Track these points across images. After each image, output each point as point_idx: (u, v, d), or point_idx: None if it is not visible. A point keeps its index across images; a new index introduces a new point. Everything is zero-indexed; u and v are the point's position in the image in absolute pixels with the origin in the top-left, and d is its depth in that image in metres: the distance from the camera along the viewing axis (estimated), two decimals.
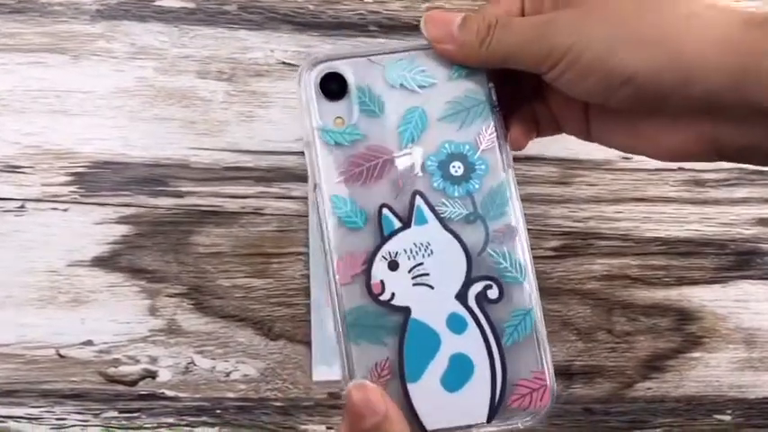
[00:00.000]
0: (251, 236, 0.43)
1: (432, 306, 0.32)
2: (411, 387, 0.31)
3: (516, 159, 0.41)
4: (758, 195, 0.44)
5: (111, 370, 0.42)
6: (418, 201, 0.32)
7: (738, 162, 0.31)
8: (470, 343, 0.31)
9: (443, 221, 0.32)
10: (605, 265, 0.44)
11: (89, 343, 0.42)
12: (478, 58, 0.31)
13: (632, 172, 0.44)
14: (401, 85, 0.32)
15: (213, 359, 0.43)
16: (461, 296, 0.32)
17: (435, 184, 0.32)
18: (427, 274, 0.32)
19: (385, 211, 0.32)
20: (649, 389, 0.44)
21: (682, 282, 0.44)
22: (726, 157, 0.31)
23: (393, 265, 0.32)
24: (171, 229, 0.43)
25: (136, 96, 0.43)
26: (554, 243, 0.44)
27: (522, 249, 0.32)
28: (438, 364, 0.31)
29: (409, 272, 0.32)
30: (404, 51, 0.33)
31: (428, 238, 0.32)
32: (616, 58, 0.28)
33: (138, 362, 0.43)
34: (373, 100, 0.32)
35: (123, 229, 0.42)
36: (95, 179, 0.42)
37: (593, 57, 0.28)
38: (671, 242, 0.44)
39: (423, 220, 0.32)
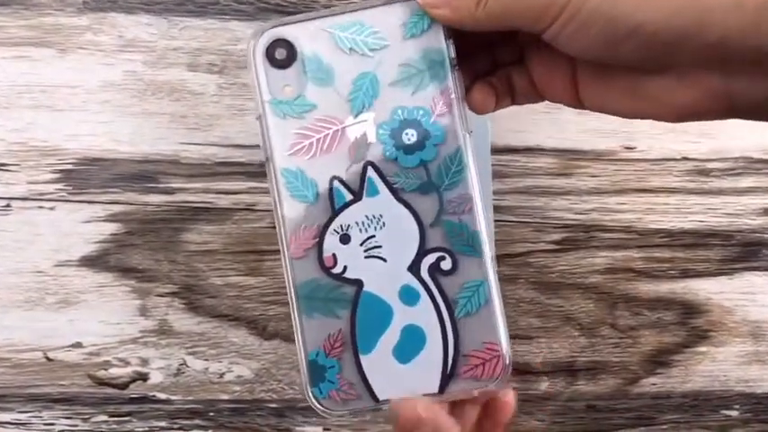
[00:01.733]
0: (243, 233, 0.42)
1: (384, 278, 0.32)
2: (363, 359, 0.31)
3: (514, 151, 0.41)
4: (764, 185, 0.44)
5: (101, 373, 0.41)
6: (370, 172, 0.32)
7: (753, 119, 0.29)
8: (423, 315, 0.31)
9: (396, 192, 0.32)
10: (608, 258, 0.43)
11: (78, 345, 0.41)
12: (475, 20, 0.29)
13: (635, 162, 0.43)
14: (351, 49, 0.31)
15: (206, 360, 0.42)
16: (414, 268, 0.31)
17: (387, 154, 0.31)
18: (379, 247, 0.32)
19: (336, 183, 0.32)
20: (654, 384, 0.43)
21: (687, 274, 0.43)
22: (740, 114, 0.29)
23: (345, 239, 0.32)
24: (161, 227, 0.42)
25: (124, 90, 0.42)
26: (555, 236, 0.43)
27: (477, 220, 0.31)
28: (390, 336, 0.31)
29: (361, 245, 0.32)
30: (356, 11, 0.31)
31: (380, 210, 0.32)
32: (620, 6, 0.26)
33: (128, 364, 0.41)
34: (322, 67, 0.32)
35: (112, 228, 0.42)
36: (83, 176, 0.42)
37: (595, 5, 0.27)
38: (675, 234, 0.43)
39: (374, 192, 0.32)
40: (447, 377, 0.31)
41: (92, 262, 0.41)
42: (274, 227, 0.39)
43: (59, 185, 0.41)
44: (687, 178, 0.43)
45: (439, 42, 0.31)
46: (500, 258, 0.42)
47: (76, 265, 0.41)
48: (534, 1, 0.28)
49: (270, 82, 0.32)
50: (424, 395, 0.31)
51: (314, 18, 0.32)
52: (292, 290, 0.32)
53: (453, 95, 0.31)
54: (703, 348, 0.43)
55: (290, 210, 0.32)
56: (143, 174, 0.42)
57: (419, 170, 0.31)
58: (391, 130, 0.31)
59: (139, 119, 0.42)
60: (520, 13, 0.28)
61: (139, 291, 0.42)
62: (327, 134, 0.32)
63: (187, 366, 0.42)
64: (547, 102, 0.40)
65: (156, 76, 0.42)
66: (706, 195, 0.43)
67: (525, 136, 0.43)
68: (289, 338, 0.42)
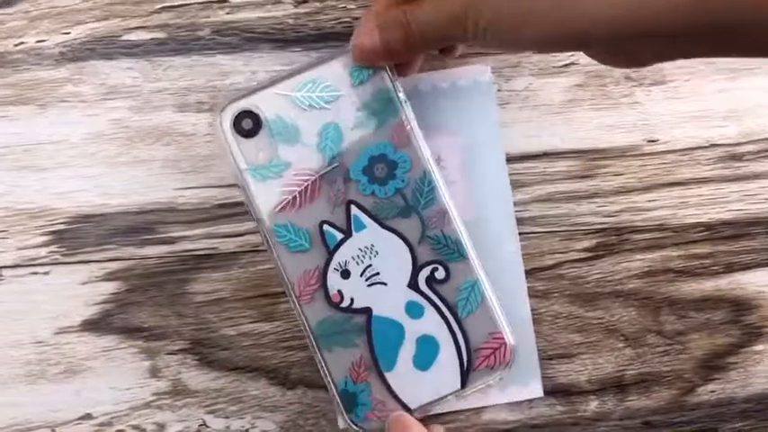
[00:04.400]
0: (253, 276, 0.39)
1: (389, 300, 0.35)
2: (388, 376, 0.35)
3: (530, 157, 0.39)
4: None
5: None
6: (353, 209, 0.35)
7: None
8: (431, 324, 0.35)
9: (381, 222, 0.35)
10: (645, 260, 0.40)
11: (88, 417, 0.39)
12: (412, 52, 0.34)
13: (660, 155, 0.40)
14: (310, 106, 0.35)
15: (227, 417, 0.39)
16: (413, 284, 0.35)
17: (364, 190, 0.35)
18: (378, 273, 0.35)
19: (326, 227, 0.35)
20: (713, 392, 0.40)
21: (731, 268, 0.40)
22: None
23: (345, 274, 0.35)
24: (165, 280, 0.39)
25: (111, 140, 0.40)
26: (586, 243, 0.40)
27: (456, 228, 0.35)
28: (407, 350, 0.35)
29: (361, 275, 0.35)
30: (305, 71, 0.35)
31: (371, 240, 0.35)
32: (506, 34, 0.30)
33: (143, 431, 0.39)
34: (288, 127, 0.35)
35: (112, 287, 0.39)
36: (76, 235, 0.39)
37: (489, 33, 0.30)
38: (713, 226, 0.40)
39: (361, 226, 0.35)
40: (465, 373, 0.35)
41: (94, 325, 0.39)
42: None
43: (52, 248, 0.39)
44: (719, 165, 0.40)
45: (385, 83, 0.35)
46: (530, 273, 0.40)
47: (78, 330, 0.39)
48: (444, 18, 0.31)
49: (243, 152, 0.35)
50: (449, 395, 0.35)
51: (269, 85, 0.35)
52: (309, 332, 0.35)
53: (409, 126, 0.35)
54: (760, 347, 0.40)
55: (290, 261, 0.35)
56: (139, 226, 0.40)
57: (396, 198, 0.35)
58: (363, 168, 0.35)
59: (130, 168, 0.40)
60: (442, 33, 0.32)
61: (148, 351, 0.39)
62: (307, 186, 0.35)
63: (207, 426, 0.39)
64: (559, 101, 0.40)
65: (143, 121, 0.40)
66: (741, 181, 0.40)
67: (539, 140, 0.40)
68: (313, 385, 0.39)
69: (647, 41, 0.28)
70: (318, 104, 0.35)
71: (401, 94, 0.35)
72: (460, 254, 0.35)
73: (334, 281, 0.35)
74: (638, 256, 0.40)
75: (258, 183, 0.35)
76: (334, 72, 0.35)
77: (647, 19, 0.26)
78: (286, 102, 0.35)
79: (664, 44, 0.28)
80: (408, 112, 0.35)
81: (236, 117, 0.35)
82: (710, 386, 0.40)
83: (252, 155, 0.35)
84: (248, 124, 0.35)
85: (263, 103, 0.35)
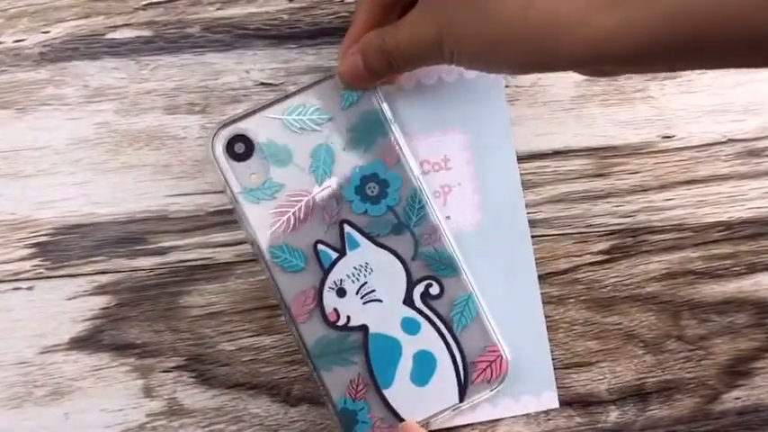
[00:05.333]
0: (250, 288, 0.38)
1: (385, 317, 0.36)
2: (386, 393, 0.36)
3: (542, 156, 0.38)
4: None
5: None
6: (347, 228, 0.36)
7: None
8: (427, 339, 0.36)
9: (374, 240, 0.36)
10: (663, 262, 0.38)
11: None
12: (396, 72, 0.35)
13: (677, 152, 0.39)
14: (301, 128, 0.36)
15: None
16: (408, 300, 0.36)
17: (357, 209, 0.36)
18: (373, 291, 0.36)
19: (320, 246, 0.36)
20: (738, 398, 0.38)
21: (754, 268, 0.39)
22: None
23: (341, 292, 0.36)
24: (157, 293, 0.38)
25: (97, 145, 0.38)
26: (601, 245, 0.38)
27: (447, 243, 0.36)
28: (404, 366, 0.36)
29: (357, 293, 0.36)
30: (296, 95, 0.36)
31: (365, 258, 0.36)
32: (476, 62, 0.31)
33: None
34: (280, 150, 0.36)
35: (101, 301, 0.37)
36: (62, 247, 0.38)
37: (462, 61, 0.31)
38: (734, 225, 0.39)
39: (355, 245, 0.36)
40: (463, 387, 0.36)
41: (83, 343, 0.37)
42: None
43: (35, 261, 0.37)
44: (737, 162, 0.39)
45: (373, 105, 0.36)
46: (544, 278, 0.38)
47: (66, 348, 0.37)
48: (425, 55, 0.32)
49: (237, 175, 0.35)
50: (447, 409, 0.35)
51: (260, 109, 0.36)
52: (306, 352, 0.35)
53: (398, 146, 0.36)
54: None
55: (285, 281, 0.35)
56: (129, 236, 0.38)
57: (388, 216, 0.36)
58: (355, 187, 0.36)
59: (118, 175, 0.38)
60: (421, 60, 0.33)
61: (141, 369, 0.37)
62: (300, 206, 0.36)
63: None
64: (571, 97, 0.39)
65: (130, 124, 0.38)
66: (761, 178, 0.39)
67: (551, 138, 0.39)
68: (317, 401, 0.37)
69: (617, 66, 0.29)
70: (309, 127, 0.36)
71: (389, 115, 0.36)
72: (453, 269, 0.36)
73: (330, 300, 0.36)
74: (656, 258, 0.38)
75: (252, 205, 0.35)
76: (324, 95, 0.36)
77: (617, 49, 0.27)
78: (277, 125, 0.36)
79: (635, 67, 0.30)
80: (397, 132, 0.36)
81: (229, 141, 0.35)
82: (735, 393, 0.38)
83: (245, 177, 0.35)
84: (240, 148, 0.35)
85: (255, 127, 0.35)
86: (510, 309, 0.37)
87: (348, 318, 0.35)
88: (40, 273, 0.37)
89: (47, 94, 0.38)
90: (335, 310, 0.35)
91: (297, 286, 0.35)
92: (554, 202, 0.38)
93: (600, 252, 0.38)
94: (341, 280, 0.36)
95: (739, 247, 0.38)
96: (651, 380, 0.38)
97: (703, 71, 0.39)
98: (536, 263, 0.38)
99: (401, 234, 0.36)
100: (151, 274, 0.38)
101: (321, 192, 0.36)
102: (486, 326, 0.36)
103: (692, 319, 0.38)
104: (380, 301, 0.36)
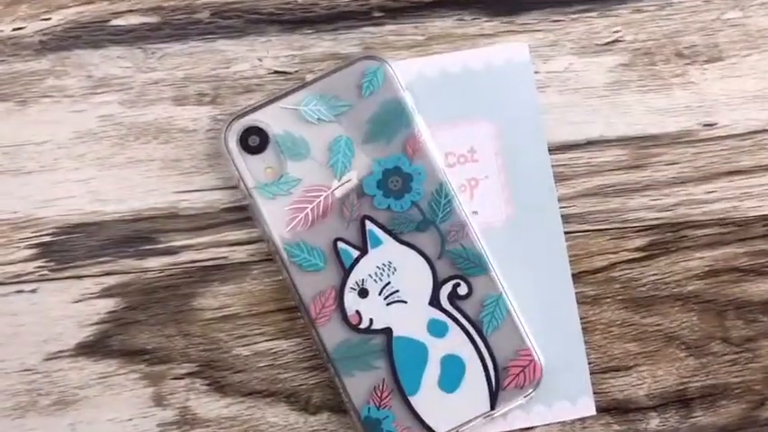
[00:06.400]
0: (267, 288, 0.37)
1: (410, 319, 0.35)
2: (413, 400, 0.34)
3: (575, 146, 0.37)
4: None
5: None
6: (368, 225, 0.35)
7: None
8: (455, 342, 0.34)
9: (397, 237, 0.35)
10: (706, 258, 0.37)
11: None
12: None
13: (719, 141, 0.37)
14: (319, 119, 0.35)
15: None
16: (434, 301, 0.35)
17: (379, 204, 0.35)
18: (397, 291, 0.35)
19: (340, 244, 0.34)
20: None
21: None
22: None
23: (363, 293, 0.34)
24: (168, 296, 0.37)
25: (102, 139, 0.37)
26: (639, 242, 0.37)
27: (475, 240, 0.35)
28: (432, 371, 0.34)
29: (380, 294, 0.34)
30: (311, 84, 0.35)
31: (388, 257, 0.35)
32: None
33: None
34: (297, 143, 0.35)
35: (109, 304, 0.37)
36: (66, 247, 0.37)
37: None
38: None
39: (378, 242, 0.35)
40: (494, 393, 0.34)
41: (90, 349, 0.36)
42: None
43: (39, 262, 0.37)
44: None
45: (396, 92, 0.35)
46: (578, 276, 0.36)
47: (71, 355, 0.36)
48: None
49: (251, 169, 0.35)
50: (479, 416, 0.34)
51: (275, 100, 0.35)
52: (327, 356, 0.34)
53: (421, 137, 0.35)
54: None
55: (304, 281, 0.34)
56: (137, 235, 0.37)
57: (413, 211, 0.35)
58: (377, 181, 0.35)
59: (125, 170, 0.37)
60: None
61: (151, 376, 0.36)
62: (319, 202, 0.34)
63: None
64: (605, 83, 0.37)
65: (137, 117, 0.37)
66: None
67: (584, 127, 0.37)
68: (339, 409, 0.36)
69: None
70: (327, 117, 0.35)
71: (412, 104, 0.35)
72: (482, 267, 0.35)
73: (351, 301, 0.34)
74: (698, 255, 0.37)
75: (267, 200, 0.35)
76: (342, 83, 0.35)
77: None
78: (293, 116, 0.35)
79: None
80: (420, 122, 0.35)
81: (243, 133, 0.35)
82: None
83: (259, 172, 0.35)
84: (255, 141, 0.35)
85: (270, 118, 0.35)
86: (543, 310, 0.35)
87: (371, 320, 0.34)
88: (44, 274, 0.36)
89: (48, 85, 0.37)
90: (357, 311, 0.34)
91: (316, 287, 0.34)
92: (588, 195, 0.37)
93: (637, 249, 0.37)
94: (363, 280, 0.34)
95: None
96: (694, 385, 0.36)
97: (749, 53, 0.37)
98: (569, 261, 0.36)
99: (426, 231, 0.35)
100: (161, 275, 0.37)
101: (340, 186, 0.35)
102: (517, 328, 0.34)
103: (738, 320, 0.37)
104: (405, 302, 0.35)
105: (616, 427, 0.36)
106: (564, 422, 0.36)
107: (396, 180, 0.35)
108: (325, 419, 0.36)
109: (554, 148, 0.37)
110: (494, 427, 0.35)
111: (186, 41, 0.37)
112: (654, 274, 0.37)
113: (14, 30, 0.37)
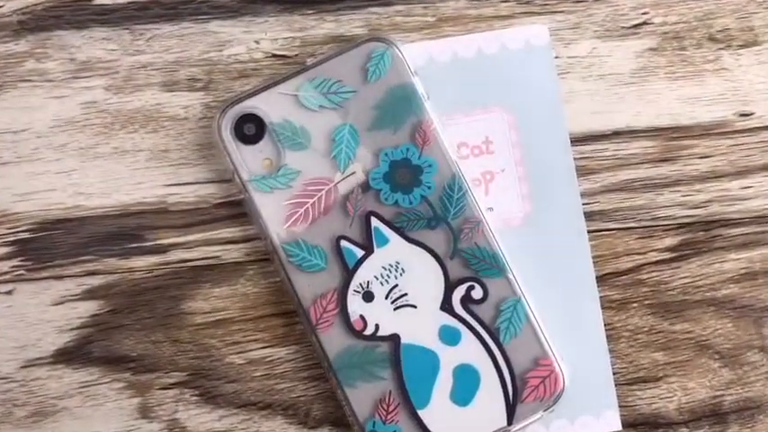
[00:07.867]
0: (263, 291, 0.36)
1: (420, 325, 0.33)
2: (422, 414, 0.33)
3: (599, 137, 0.36)
4: None
5: None
6: (374, 222, 0.33)
7: None
8: (469, 351, 0.33)
9: (405, 235, 0.33)
10: (741, 260, 0.36)
11: None
12: None
13: (756, 132, 0.36)
14: (320, 106, 0.33)
15: None
16: (446, 306, 0.33)
17: (386, 199, 0.33)
18: (405, 294, 0.33)
19: (343, 243, 0.33)
20: None
21: None
22: None
23: (368, 296, 0.33)
24: (155, 298, 0.36)
25: (85, 128, 0.36)
26: (669, 241, 0.36)
27: (491, 239, 0.33)
28: (443, 382, 0.33)
29: (386, 298, 0.33)
30: (313, 68, 0.33)
31: (395, 257, 0.33)
32: None
33: None
34: (296, 132, 0.33)
35: (92, 307, 0.36)
36: (45, 245, 0.36)
37: None
38: None
39: (384, 241, 0.33)
40: (512, 407, 0.33)
41: (70, 356, 0.36)
42: None
43: (15, 261, 0.36)
44: None
45: (405, 78, 0.33)
46: (603, 279, 0.35)
47: (50, 362, 0.36)
48: None
49: (246, 160, 0.33)
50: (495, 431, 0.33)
51: (272, 85, 0.33)
52: (328, 365, 0.33)
53: (432, 126, 0.33)
54: None
55: (303, 283, 0.33)
56: (123, 232, 0.36)
57: (422, 207, 0.33)
58: (383, 174, 0.33)
59: (109, 161, 0.36)
60: None
61: (137, 385, 0.36)
62: (320, 196, 0.33)
63: None
64: (631, 70, 0.36)
65: (123, 103, 0.36)
66: None
67: (609, 117, 0.36)
68: (340, 423, 0.35)
69: None
70: (330, 104, 0.34)
71: (422, 90, 0.34)
72: (499, 269, 0.33)
73: (355, 305, 0.33)
74: (733, 256, 0.36)
75: (264, 195, 0.33)
76: (346, 67, 0.34)
77: None
78: (292, 103, 0.34)
79: None
80: (431, 110, 0.34)
81: (237, 121, 0.34)
82: None
83: (256, 163, 0.34)
84: (250, 129, 0.34)
85: (267, 105, 0.34)
86: (564, 315, 0.34)
87: (376, 326, 0.33)
88: (21, 274, 0.36)
89: (27, 68, 0.36)
90: (361, 316, 0.33)
91: (316, 289, 0.33)
92: (613, 190, 0.36)
93: (667, 249, 0.36)
94: (368, 282, 0.33)
95: None
96: (729, 398, 0.35)
97: None
98: (593, 262, 0.35)
99: (437, 228, 0.33)
100: (148, 275, 0.36)
101: (344, 180, 0.33)
102: (537, 335, 0.33)
103: None
104: (414, 306, 0.33)
105: None
106: None
107: (404, 173, 0.33)
108: None
109: (576, 140, 0.36)
110: None
111: (177, 22, 0.36)
112: (685, 277, 0.36)
113: None
